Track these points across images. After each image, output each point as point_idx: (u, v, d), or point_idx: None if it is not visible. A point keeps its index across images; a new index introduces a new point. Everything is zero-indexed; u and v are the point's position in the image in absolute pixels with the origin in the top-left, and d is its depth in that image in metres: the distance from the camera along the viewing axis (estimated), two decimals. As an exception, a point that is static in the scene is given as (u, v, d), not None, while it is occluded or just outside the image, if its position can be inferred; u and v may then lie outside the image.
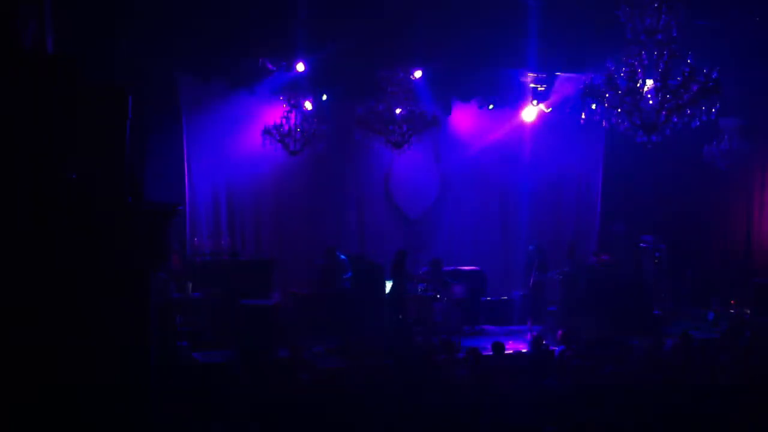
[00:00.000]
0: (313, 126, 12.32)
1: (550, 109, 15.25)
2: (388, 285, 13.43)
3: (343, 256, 13.16)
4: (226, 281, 12.17)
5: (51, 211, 4.30)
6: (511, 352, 9.81)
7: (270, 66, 11.61)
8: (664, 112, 8.84)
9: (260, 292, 12.01)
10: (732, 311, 14.35)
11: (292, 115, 12.28)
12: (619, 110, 9.02)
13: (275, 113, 12.45)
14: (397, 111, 11.54)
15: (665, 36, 8.78)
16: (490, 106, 15.27)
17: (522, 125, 15.91)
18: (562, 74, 13.76)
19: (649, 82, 8.86)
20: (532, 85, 14.50)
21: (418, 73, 11.92)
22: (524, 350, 11.00)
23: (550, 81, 14.28)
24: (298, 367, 8.94)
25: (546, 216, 16.67)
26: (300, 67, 12.12)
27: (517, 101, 15.33)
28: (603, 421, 6.60)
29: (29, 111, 4.23)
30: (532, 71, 13.61)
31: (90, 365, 4.34)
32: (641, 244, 15.38)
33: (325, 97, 13.50)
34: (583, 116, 9.42)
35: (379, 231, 15.05)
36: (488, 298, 14.40)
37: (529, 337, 12.28)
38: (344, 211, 15.02)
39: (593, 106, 9.24)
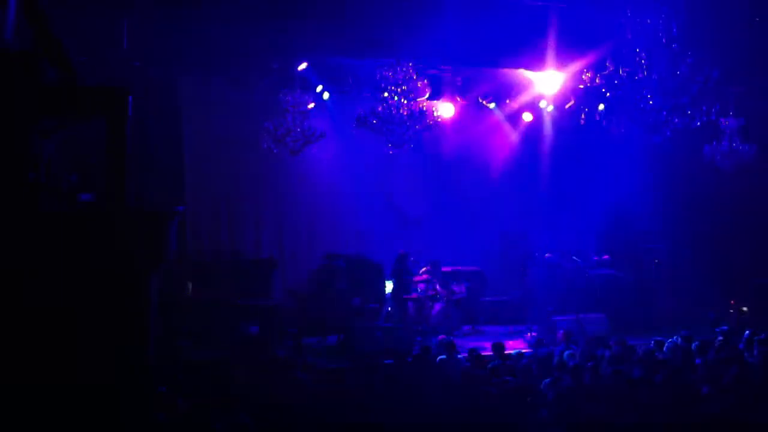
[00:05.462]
0: (313, 126, 12.31)
1: (551, 108, 15.27)
2: (389, 285, 13.45)
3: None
4: (226, 281, 12.18)
5: (51, 211, 4.30)
6: (511, 352, 9.80)
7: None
8: (664, 112, 8.85)
9: (260, 292, 12.01)
10: (732, 311, 14.35)
11: (292, 115, 12.28)
12: (619, 110, 9.03)
13: (275, 113, 12.44)
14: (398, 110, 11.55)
15: (665, 36, 8.79)
16: (491, 105, 15.29)
17: (522, 125, 15.93)
18: (563, 74, 13.76)
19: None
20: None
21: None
22: (524, 350, 10.99)
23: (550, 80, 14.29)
24: (298, 367, 8.94)
25: (546, 216, 16.69)
26: (301, 66, 12.13)
27: (518, 101, 15.38)
28: (603, 421, 6.60)
29: (29, 111, 4.23)
30: (532, 71, 13.61)
31: (90, 365, 4.34)
32: (641, 244, 15.39)
33: (327, 95, 13.50)
34: (583, 116, 9.42)
35: (379, 231, 15.06)
36: (488, 298, 14.40)
37: (528, 337, 12.30)
38: (344, 211, 15.02)
39: (602, 107, 9.25)
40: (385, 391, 7.79)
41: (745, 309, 14.24)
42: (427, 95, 12.25)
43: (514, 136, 16.15)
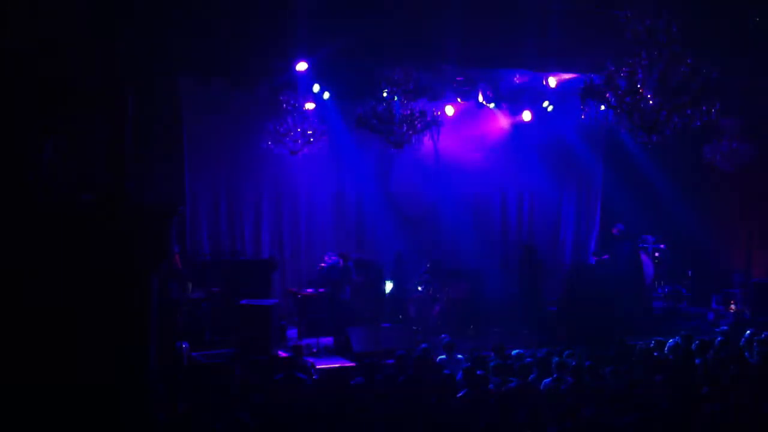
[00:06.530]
0: (313, 126, 12.32)
1: (552, 107, 15.29)
2: (389, 285, 13.44)
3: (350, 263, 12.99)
4: (226, 281, 12.18)
5: (51, 211, 4.31)
6: (511, 352, 9.80)
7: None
8: (664, 112, 8.84)
9: (260, 292, 12.00)
10: (732, 311, 14.36)
11: (292, 115, 12.29)
12: (619, 110, 9.02)
13: (275, 113, 12.47)
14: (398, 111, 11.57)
15: (665, 36, 8.78)
16: (491, 105, 15.30)
17: (522, 124, 15.94)
18: (563, 74, 13.77)
19: None
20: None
21: None
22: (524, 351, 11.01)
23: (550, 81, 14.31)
24: (298, 367, 8.95)
25: (546, 216, 16.72)
26: (301, 66, 12.15)
27: (517, 101, 15.39)
28: (603, 421, 6.60)
29: (30, 112, 4.24)
30: (532, 71, 13.61)
31: (90, 365, 4.34)
32: (641, 244, 15.40)
33: (327, 95, 13.51)
34: (583, 116, 9.42)
35: (379, 231, 15.06)
36: (488, 298, 14.39)
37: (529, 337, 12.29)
38: (344, 211, 15.03)
39: (602, 107, 9.23)
40: (385, 391, 7.79)
41: (743, 309, 14.26)
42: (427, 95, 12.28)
43: (513, 136, 16.14)
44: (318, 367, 10.17)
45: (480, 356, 9.40)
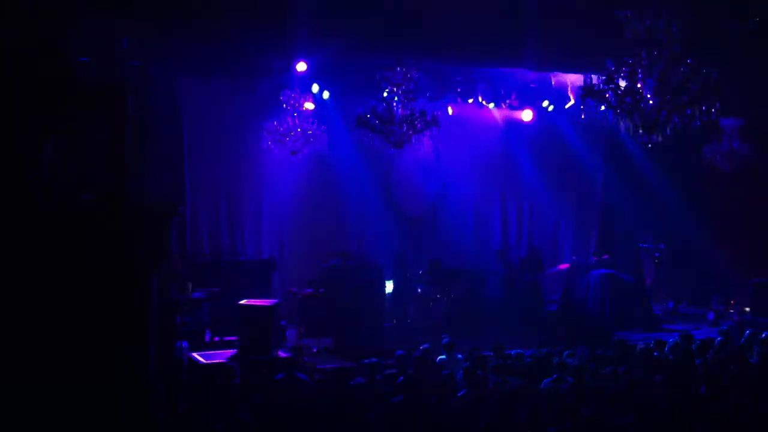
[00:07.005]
0: (313, 126, 12.32)
1: (552, 107, 15.29)
2: (389, 285, 13.43)
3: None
4: (226, 281, 12.17)
5: (51, 211, 4.31)
6: (511, 352, 9.80)
7: None
8: (664, 112, 8.85)
9: (260, 292, 12.00)
10: (732, 311, 14.36)
11: (292, 115, 12.30)
12: (619, 110, 9.03)
13: (275, 113, 12.47)
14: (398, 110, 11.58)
15: (665, 36, 8.79)
16: (491, 105, 15.30)
17: (522, 124, 15.94)
18: (563, 74, 13.78)
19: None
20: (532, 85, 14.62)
21: None
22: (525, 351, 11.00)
23: (550, 80, 14.32)
24: (298, 367, 8.95)
25: (546, 216, 16.72)
26: (301, 66, 12.14)
27: (518, 100, 15.39)
28: (603, 421, 6.60)
29: (30, 112, 4.24)
30: (532, 71, 13.63)
31: (90, 365, 4.34)
32: (641, 244, 15.40)
33: (327, 95, 13.50)
34: (583, 116, 9.43)
35: (379, 231, 15.05)
36: (488, 298, 14.38)
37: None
38: (344, 211, 15.02)
39: (602, 107, 9.24)
40: (385, 391, 7.79)
41: (746, 309, 14.26)
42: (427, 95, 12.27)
43: (513, 135, 16.15)
44: (318, 367, 10.16)
45: (480, 356, 9.39)
